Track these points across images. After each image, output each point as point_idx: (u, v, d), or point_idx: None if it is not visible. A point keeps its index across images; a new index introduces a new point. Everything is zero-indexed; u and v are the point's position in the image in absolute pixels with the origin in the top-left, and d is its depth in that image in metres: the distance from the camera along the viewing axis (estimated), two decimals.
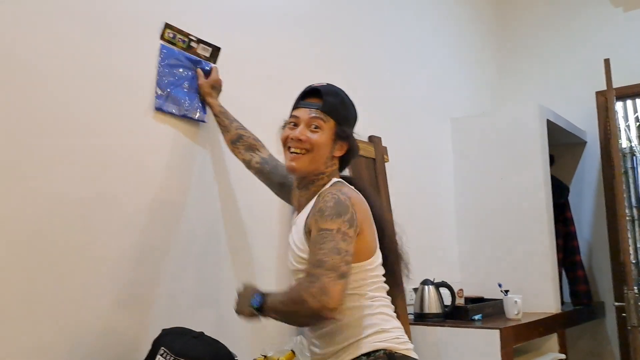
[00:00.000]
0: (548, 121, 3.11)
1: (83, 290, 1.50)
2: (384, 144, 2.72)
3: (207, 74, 1.87)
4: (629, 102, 3.75)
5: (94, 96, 1.59)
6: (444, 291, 2.61)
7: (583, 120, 3.67)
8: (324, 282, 1.28)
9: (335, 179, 1.57)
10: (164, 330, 1.40)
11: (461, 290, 2.74)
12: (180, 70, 1.80)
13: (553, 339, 2.87)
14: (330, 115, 1.53)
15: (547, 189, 3.01)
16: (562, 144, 3.66)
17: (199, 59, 1.86)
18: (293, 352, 1.76)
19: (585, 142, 3.70)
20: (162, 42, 1.76)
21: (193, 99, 1.83)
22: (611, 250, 3.52)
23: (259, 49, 2.16)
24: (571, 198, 3.55)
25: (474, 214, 3.20)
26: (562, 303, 3.13)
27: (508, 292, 2.75)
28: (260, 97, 2.13)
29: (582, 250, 3.50)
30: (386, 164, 2.71)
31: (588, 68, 3.65)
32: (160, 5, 1.80)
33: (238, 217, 2.00)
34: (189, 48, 1.83)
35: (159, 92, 1.73)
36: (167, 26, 1.76)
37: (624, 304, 2.85)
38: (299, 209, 1.60)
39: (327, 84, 1.58)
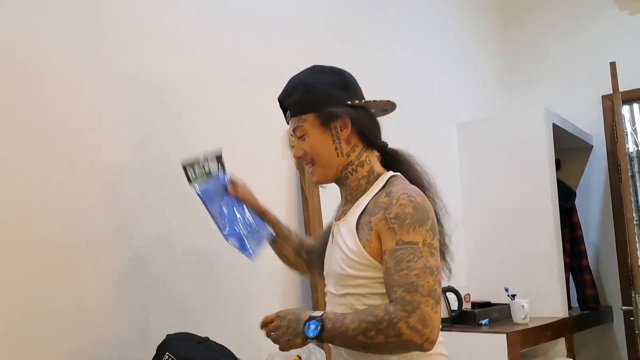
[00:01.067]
0: (554, 125, 3.10)
1: (86, 296, 1.51)
2: None
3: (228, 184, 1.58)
4: (635, 106, 3.74)
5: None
6: (451, 296, 2.61)
7: (589, 124, 3.65)
8: (424, 311, 1.13)
9: (389, 174, 1.36)
10: (168, 335, 1.40)
11: (468, 295, 2.73)
12: (221, 201, 1.53)
13: (561, 344, 2.85)
14: (302, 113, 1.33)
15: (553, 193, 3.00)
16: (568, 148, 3.65)
17: (217, 177, 1.56)
18: (299, 357, 1.76)
19: (591, 147, 3.68)
20: (193, 185, 1.51)
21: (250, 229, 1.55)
22: (618, 255, 3.51)
23: (262, 55, 2.16)
24: (578, 202, 3.53)
25: (480, 219, 3.20)
26: (570, 308, 3.11)
27: (515, 297, 2.74)
28: (263, 102, 2.14)
29: (589, 254, 3.48)
30: None
31: (594, 72, 3.64)
32: (171, 11, 1.82)
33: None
34: (208, 173, 1.55)
35: (225, 232, 1.48)
36: (184, 167, 1.52)
37: (631, 308, 2.84)
38: (345, 204, 1.41)
39: (289, 80, 1.40)
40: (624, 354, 3.46)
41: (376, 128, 1.39)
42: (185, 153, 1.83)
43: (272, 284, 2.06)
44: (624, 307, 3.17)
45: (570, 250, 3.36)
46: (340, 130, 1.32)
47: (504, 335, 2.34)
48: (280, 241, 1.57)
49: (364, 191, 1.34)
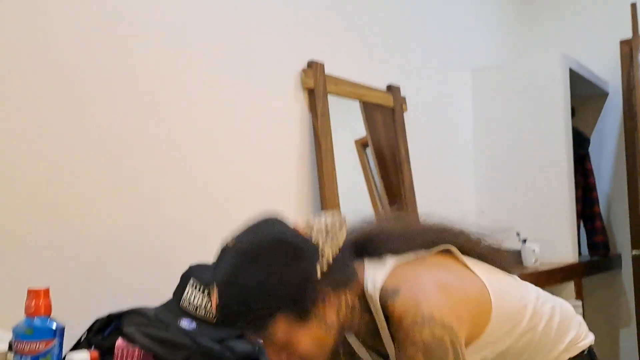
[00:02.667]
0: (570, 71, 3.07)
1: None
2: (402, 94, 2.71)
3: None
4: None
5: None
6: None
7: (606, 71, 3.61)
8: None
9: (369, 293, 1.06)
10: (191, 265, 1.44)
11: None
12: None
13: (570, 287, 2.90)
14: (267, 324, 0.97)
15: (568, 139, 2.99)
16: (583, 95, 3.62)
17: None
18: None
19: (607, 94, 3.65)
20: None
21: None
22: (630, 202, 3.52)
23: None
24: (591, 150, 3.53)
25: (493, 164, 3.20)
26: (580, 254, 3.14)
27: (526, 241, 2.78)
28: (273, 42, 2.12)
29: (600, 201, 3.50)
30: (404, 113, 2.70)
31: (613, 15, 3.57)
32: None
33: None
34: None
35: None
36: None
37: None
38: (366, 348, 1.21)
39: (219, 293, 0.97)
40: (631, 298, 3.52)
41: (350, 263, 1.07)
42: (188, 114, 1.84)
43: None
44: (634, 252, 3.20)
45: (582, 197, 3.38)
46: (324, 307, 1.01)
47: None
48: None
49: (376, 331, 1.09)
